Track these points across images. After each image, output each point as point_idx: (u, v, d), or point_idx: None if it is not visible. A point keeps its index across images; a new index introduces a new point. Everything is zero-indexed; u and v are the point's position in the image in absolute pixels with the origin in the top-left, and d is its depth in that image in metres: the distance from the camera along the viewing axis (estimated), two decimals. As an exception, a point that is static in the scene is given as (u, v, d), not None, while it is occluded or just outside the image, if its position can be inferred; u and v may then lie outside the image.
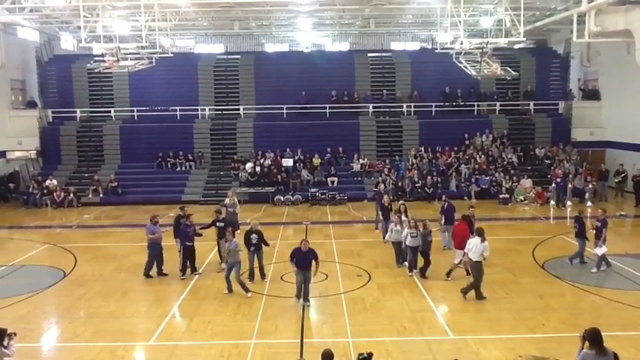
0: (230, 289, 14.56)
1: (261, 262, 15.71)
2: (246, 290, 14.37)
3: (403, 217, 17.24)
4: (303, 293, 13.59)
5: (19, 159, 31.84)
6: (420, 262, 15.86)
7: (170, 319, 13.23)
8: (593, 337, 7.65)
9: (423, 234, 15.59)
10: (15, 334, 10.08)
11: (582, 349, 7.89)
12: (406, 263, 16.39)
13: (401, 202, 18.94)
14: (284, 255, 17.70)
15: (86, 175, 30.71)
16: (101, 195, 29.16)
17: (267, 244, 15.99)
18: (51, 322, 13.48)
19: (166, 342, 11.84)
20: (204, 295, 14.48)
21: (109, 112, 33.14)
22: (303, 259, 13.54)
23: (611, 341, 7.82)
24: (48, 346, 12.04)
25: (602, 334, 7.78)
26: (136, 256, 18.68)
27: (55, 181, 29.29)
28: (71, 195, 28.58)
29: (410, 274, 15.85)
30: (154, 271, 16.42)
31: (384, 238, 19.77)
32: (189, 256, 16.35)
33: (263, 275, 15.78)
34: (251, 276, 15.52)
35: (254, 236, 15.39)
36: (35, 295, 14.65)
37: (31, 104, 33.41)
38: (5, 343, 9.86)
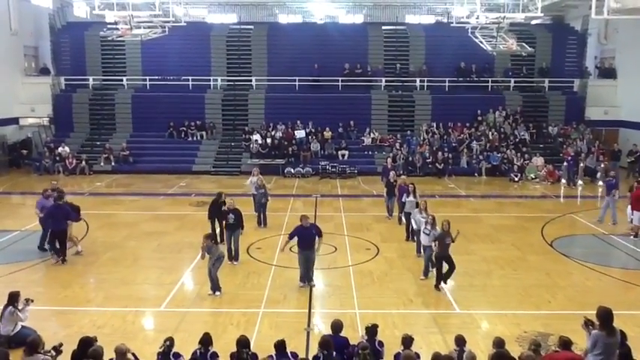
0: (216, 289, 12.72)
1: (236, 244, 14.78)
2: (218, 289, 12.64)
3: (411, 197, 16.80)
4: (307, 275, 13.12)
5: (31, 126, 32.05)
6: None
7: (180, 286, 13.43)
8: (603, 318, 7.68)
9: (439, 236, 12.99)
10: (32, 301, 10.31)
11: (590, 334, 7.92)
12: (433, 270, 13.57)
13: (410, 182, 17.91)
14: (293, 226, 17.79)
15: (98, 143, 30.91)
16: (113, 163, 29.37)
17: (242, 227, 14.90)
18: (63, 286, 13.67)
19: (176, 309, 12.04)
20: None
21: (122, 80, 33.14)
22: (307, 237, 12.91)
23: (616, 319, 7.85)
24: (60, 310, 12.23)
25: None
26: (146, 224, 18.95)
27: (67, 149, 29.52)
28: (83, 162, 28.83)
29: (422, 278, 13.68)
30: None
31: (388, 213, 19.83)
32: (59, 240, 14.80)
33: (237, 258, 14.77)
34: (230, 257, 14.57)
35: (230, 216, 14.64)
36: (47, 260, 14.86)
37: (43, 71, 33.47)
38: (20, 306, 10.11)
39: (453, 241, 12.97)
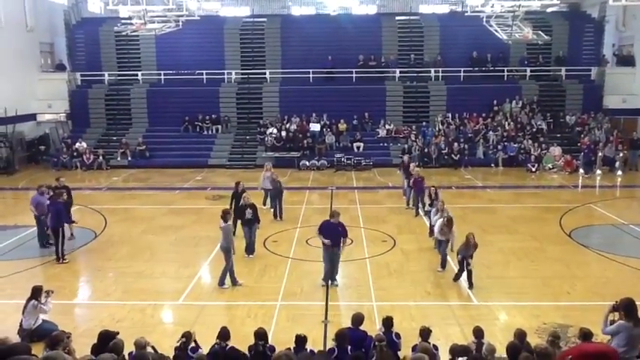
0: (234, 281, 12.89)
1: (253, 237, 14.85)
2: (234, 282, 12.87)
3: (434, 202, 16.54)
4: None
5: (49, 122, 32.36)
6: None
7: (198, 279, 13.51)
8: (629, 309, 7.55)
9: (462, 247, 12.77)
10: (52, 292, 10.47)
11: (609, 319, 7.83)
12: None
13: (432, 186, 17.14)
14: (309, 219, 17.96)
15: (114, 138, 31.16)
16: (129, 158, 29.59)
17: (258, 221, 15.05)
18: (82, 280, 13.91)
19: (194, 302, 12.12)
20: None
21: (137, 75, 33.32)
22: (333, 232, 12.54)
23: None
24: (80, 304, 12.41)
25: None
26: (163, 218, 19.09)
27: (84, 144, 29.78)
28: (100, 157, 29.09)
29: (440, 270, 13.70)
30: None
31: (407, 204, 19.83)
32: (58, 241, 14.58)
33: (252, 251, 14.83)
34: (247, 250, 14.73)
35: (249, 211, 14.73)
36: (67, 255, 14.94)
37: (60, 67, 33.74)
38: (42, 300, 10.25)
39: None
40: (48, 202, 15.42)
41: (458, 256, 12.82)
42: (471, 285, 12.58)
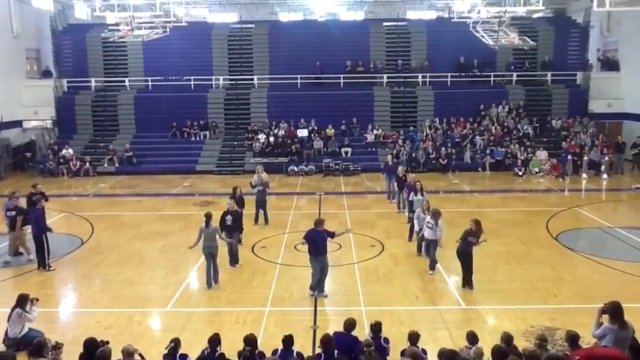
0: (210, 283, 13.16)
1: (235, 247, 14.63)
2: (211, 283, 13.11)
3: (419, 196, 16.52)
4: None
5: (35, 128, 32.06)
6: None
7: (186, 286, 13.45)
8: (615, 312, 7.61)
9: (463, 233, 12.94)
10: (37, 300, 10.38)
11: (599, 322, 7.89)
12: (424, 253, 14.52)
13: (418, 181, 17.47)
14: (297, 225, 17.97)
15: (101, 144, 30.93)
16: (116, 164, 29.42)
17: (241, 229, 15.17)
18: (69, 288, 13.77)
19: (182, 308, 12.07)
20: (220, 263, 14.51)
21: (124, 81, 33.16)
22: (320, 241, 12.30)
23: (625, 312, 7.83)
24: (67, 311, 12.30)
25: (614, 305, 7.79)
26: (151, 225, 19.00)
27: (71, 151, 29.57)
28: (87, 164, 28.88)
29: (431, 272, 13.81)
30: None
31: (398, 208, 19.90)
32: (42, 248, 14.44)
33: (236, 261, 14.55)
34: (230, 261, 14.46)
35: (228, 217, 14.41)
36: (53, 262, 14.84)
37: (46, 74, 33.51)
38: (27, 308, 10.16)
39: (476, 243, 12.73)
40: (10, 212, 15.39)
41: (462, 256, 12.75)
42: (471, 285, 12.70)
